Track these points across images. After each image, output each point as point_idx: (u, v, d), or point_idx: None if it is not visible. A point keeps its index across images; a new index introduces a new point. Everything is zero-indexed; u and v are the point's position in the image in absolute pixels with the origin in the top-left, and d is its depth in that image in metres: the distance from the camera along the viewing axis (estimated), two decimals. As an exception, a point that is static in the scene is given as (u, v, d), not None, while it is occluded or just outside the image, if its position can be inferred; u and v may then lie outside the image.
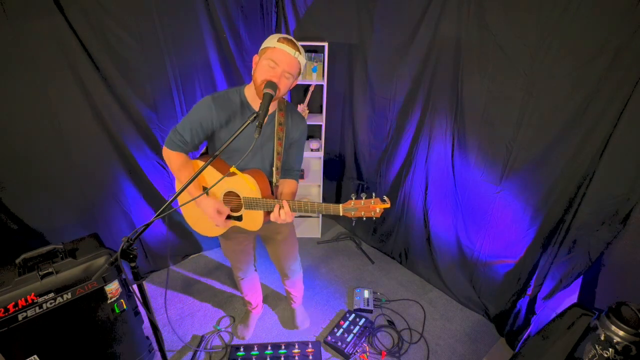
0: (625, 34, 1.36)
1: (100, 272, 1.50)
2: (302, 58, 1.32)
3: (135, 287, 1.28)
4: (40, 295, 1.42)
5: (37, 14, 1.66)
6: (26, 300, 1.39)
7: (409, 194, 2.50)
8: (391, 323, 2.22)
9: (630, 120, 1.39)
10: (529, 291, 1.92)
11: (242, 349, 1.97)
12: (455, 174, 2.16)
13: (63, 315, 1.49)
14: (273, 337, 2.13)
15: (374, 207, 1.30)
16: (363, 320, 2.19)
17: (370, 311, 2.28)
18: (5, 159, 1.78)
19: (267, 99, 1.23)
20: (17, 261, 1.47)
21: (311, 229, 3.09)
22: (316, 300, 2.40)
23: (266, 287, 2.48)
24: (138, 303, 1.58)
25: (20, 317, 1.38)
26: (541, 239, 1.85)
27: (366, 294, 2.37)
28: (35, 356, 1.47)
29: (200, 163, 1.34)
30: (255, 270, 2.03)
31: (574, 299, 1.74)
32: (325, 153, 2.96)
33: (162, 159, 2.32)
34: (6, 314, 1.35)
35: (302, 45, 1.37)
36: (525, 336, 1.96)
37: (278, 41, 1.28)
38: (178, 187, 1.47)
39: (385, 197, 1.31)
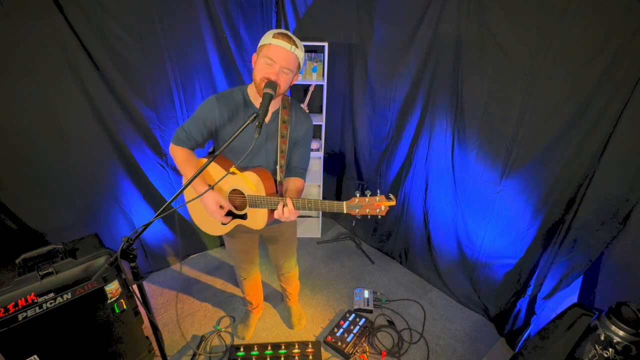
0: (625, 34, 1.36)
1: (100, 272, 1.50)
2: (299, 52, 1.30)
3: (135, 287, 1.28)
4: (40, 295, 1.41)
5: (37, 14, 1.66)
6: (26, 300, 1.38)
7: (409, 194, 2.50)
8: (391, 323, 2.22)
9: (630, 120, 1.39)
10: (529, 291, 1.92)
11: (242, 349, 1.97)
12: (455, 174, 2.16)
13: (63, 315, 1.49)
14: (273, 337, 2.13)
15: (379, 204, 1.24)
16: (363, 320, 2.19)
17: (370, 311, 2.28)
18: (5, 159, 1.78)
19: (266, 99, 1.23)
20: (17, 261, 1.46)
21: (311, 229, 3.09)
22: (316, 300, 2.40)
23: (267, 286, 2.48)
24: (138, 303, 1.58)
25: (20, 317, 1.38)
26: (541, 239, 1.85)
27: (366, 294, 2.37)
28: (35, 356, 1.47)
29: (205, 161, 1.36)
30: (258, 271, 2.04)
31: (574, 299, 1.74)
32: (325, 153, 2.96)
33: (162, 159, 2.33)
34: (6, 314, 1.35)
35: (302, 45, 1.35)
36: (525, 336, 1.96)
37: (273, 37, 1.27)
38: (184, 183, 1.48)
39: (390, 195, 1.26)
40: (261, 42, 1.31)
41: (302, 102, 2.68)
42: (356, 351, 2.01)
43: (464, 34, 1.86)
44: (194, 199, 1.33)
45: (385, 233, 2.81)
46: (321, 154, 2.78)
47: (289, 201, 1.30)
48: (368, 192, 1.25)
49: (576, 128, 1.58)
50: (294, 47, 1.27)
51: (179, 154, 1.47)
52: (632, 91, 1.37)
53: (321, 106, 2.63)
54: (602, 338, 1.23)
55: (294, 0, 2.52)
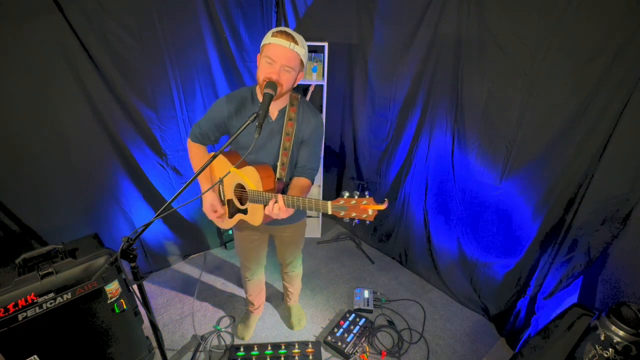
0: (625, 34, 1.36)
1: (100, 272, 1.50)
2: (299, 48, 1.28)
3: (135, 287, 1.28)
4: (40, 295, 1.42)
5: (37, 13, 1.66)
6: (26, 301, 1.38)
7: (409, 194, 2.50)
8: (391, 323, 2.22)
9: (630, 120, 1.39)
10: (529, 291, 1.92)
11: (242, 349, 1.97)
12: (455, 174, 2.16)
13: (63, 315, 1.49)
14: (273, 337, 2.13)
15: (366, 207, 1.11)
16: (363, 320, 2.19)
17: (370, 311, 2.28)
18: (5, 158, 1.78)
19: (266, 99, 1.23)
20: (17, 261, 1.46)
21: (311, 229, 3.09)
22: (316, 300, 2.40)
23: (268, 287, 2.48)
24: (138, 303, 1.58)
25: (20, 317, 1.38)
26: (541, 239, 1.85)
27: (366, 294, 2.37)
28: (35, 356, 1.47)
29: (221, 155, 1.49)
30: (263, 273, 2.04)
31: (574, 299, 1.74)
32: (325, 153, 2.96)
33: (162, 159, 2.33)
34: (6, 314, 1.35)
35: (304, 41, 1.33)
36: (525, 336, 1.96)
37: (272, 36, 1.27)
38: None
39: (385, 199, 1.15)
40: (262, 42, 1.31)
41: (302, 102, 2.68)
42: (356, 351, 2.01)
43: (464, 34, 1.86)
44: (193, 200, 1.32)
45: (385, 233, 2.81)
46: (321, 153, 2.78)
47: (279, 198, 1.27)
48: (356, 193, 1.12)
49: (576, 128, 1.58)
50: (293, 44, 1.26)
51: (192, 149, 1.58)
52: (632, 91, 1.37)
53: (321, 106, 2.63)
54: (602, 338, 1.24)
55: (294, 0, 2.52)
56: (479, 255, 2.17)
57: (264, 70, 1.28)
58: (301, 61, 1.32)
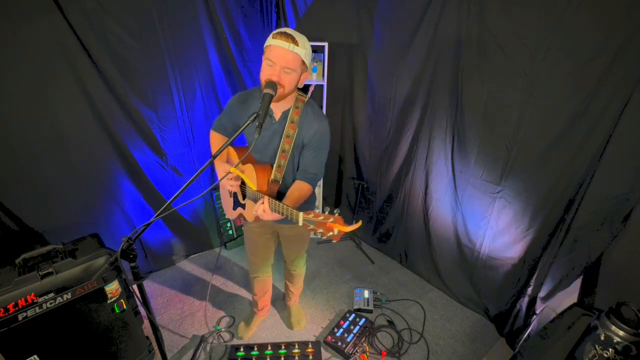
0: (625, 34, 1.36)
1: (100, 272, 1.50)
2: (299, 49, 1.26)
3: (135, 287, 1.28)
4: (40, 295, 1.42)
5: (37, 14, 1.66)
6: (26, 301, 1.38)
7: (409, 194, 2.50)
8: (391, 323, 2.22)
9: (630, 120, 1.40)
10: (529, 291, 1.92)
11: (242, 349, 1.97)
12: (455, 174, 2.16)
13: (63, 315, 1.49)
14: (273, 337, 2.13)
15: (332, 226, 1.06)
16: (363, 320, 2.19)
17: (370, 311, 2.28)
18: (5, 158, 1.78)
19: (266, 99, 1.24)
20: (17, 261, 1.46)
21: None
22: (316, 300, 2.40)
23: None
24: (138, 303, 1.58)
25: (20, 317, 1.38)
26: (541, 239, 1.85)
27: (366, 294, 2.37)
28: (35, 356, 1.47)
29: (231, 150, 1.63)
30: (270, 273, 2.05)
31: (574, 299, 1.74)
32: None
33: (162, 159, 2.33)
34: (6, 314, 1.35)
35: (306, 41, 1.32)
36: (525, 336, 1.96)
37: (273, 37, 1.27)
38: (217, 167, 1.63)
39: (360, 220, 1.13)
40: (265, 43, 1.31)
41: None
42: (356, 351, 2.01)
43: (464, 34, 1.86)
44: (193, 200, 1.35)
45: (385, 233, 2.81)
46: (324, 159, 2.77)
47: (266, 200, 1.29)
48: (327, 209, 1.10)
49: (576, 128, 1.58)
50: (292, 45, 1.25)
51: (213, 138, 1.66)
52: (632, 91, 1.37)
53: (321, 106, 2.63)
54: (602, 338, 1.24)
55: (294, 0, 2.52)
56: (478, 254, 2.17)
57: (265, 71, 1.29)
58: (302, 62, 1.31)
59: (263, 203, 1.29)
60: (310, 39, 1.34)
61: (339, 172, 3.10)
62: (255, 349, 1.97)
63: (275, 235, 1.83)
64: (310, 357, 1.95)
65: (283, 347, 1.99)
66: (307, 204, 1.63)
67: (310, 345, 2.01)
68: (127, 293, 1.68)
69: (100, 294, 1.57)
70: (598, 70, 1.45)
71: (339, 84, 2.71)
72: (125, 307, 1.66)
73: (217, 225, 2.80)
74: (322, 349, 2.02)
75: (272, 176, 1.48)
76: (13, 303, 1.36)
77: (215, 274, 2.60)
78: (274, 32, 1.28)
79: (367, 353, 2.01)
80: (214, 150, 1.65)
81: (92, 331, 1.61)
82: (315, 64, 2.52)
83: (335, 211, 1.11)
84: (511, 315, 2.05)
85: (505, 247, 2.03)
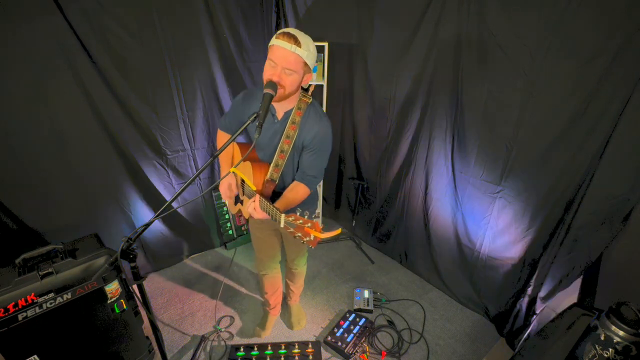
0: (625, 34, 1.36)
1: (100, 272, 1.50)
2: (302, 50, 1.26)
3: (135, 287, 1.28)
4: (40, 295, 1.42)
5: (37, 13, 1.66)
6: (26, 300, 1.38)
7: (409, 194, 2.50)
8: (391, 323, 2.22)
9: (630, 120, 1.40)
10: (529, 291, 1.92)
11: (242, 349, 1.97)
12: (455, 174, 2.16)
13: (63, 315, 1.49)
14: (273, 337, 2.13)
15: (309, 231, 1.07)
16: (363, 320, 2.19)
17: (370, 311, 2.28)
18: (5, 158, 1.78)
19: (266, 99, 1.24)
20: (17, 261, 1.46)
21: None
22: (316, 300, 2.40)
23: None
24: (138, 303, 1.58)
25: (20, 317, 1.38)
26: (541, 239, 1.85)
27: (366, 294, 2.37)
28: (35, 356, 1.47)
29: (236, 147, 1.65)
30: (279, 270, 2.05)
31: (574, 299, 1.74)
32: (325, 153, 2.96)
33: (162, 159, 2.33)
34: (6, 314, 1.35)
35: (310, 42, 1.32)
36: (525, 336, 1.96)
37: (275, 37, 1.26)
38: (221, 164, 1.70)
39: (339, 228, 1.15)
40: (269, 42, 1.31)
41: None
42: (356, 351, 2.01)
43: (464, 33, 1.86)
44: (193, 200, 1.35)
45: (385, 233, 2.81)
46: (324, 162, 2.77)
47: (257, 199, 1.30)
48: (306, 214, 1.09)
49: (576, 128, 1.58)
50: (294, 46, 1.24)
51: (220, 137, 1.69)
52: (632, 91, 1.37)
53: (321, 106, 2.62)
54: (602, 338, 1.23)
55: (294, 0, 2.52)
56: (479, 254, 2.17)
57: (267, 72, 1.29)
58: (305, 63, 1.30)
59: (254, 201, 1.30)
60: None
61: (339, 172, 3.10)
62: (255, 349, 1.97)
63: (279, 232, 1.83)
64: (310, 357, 1.95)
65: (283, 347, 1.99)
66: (308, 204, 1.63)
67: (310, 345, 2.01)
68: (127, 293, 1.68)
69: (100, 294, 1.57)
70: (598, 70, 1.45)
71: (339, 84, 2.71)
72: (125, 307, 1.66)
73: (217, 225, 2.80)
74: (322, 349, 2.02)
75: (268, 175, 1.48)
76: (13, 303, 1.36)
77: (215, 274, 2.61)
78: (279, 31, 1.28)
79: (367, 353, 2.01)
80: (219, 148, 1.67)
81: (92, 331, 1.61)
82: (315, 64, 2.52)
83: (313, 217, 1.09)
84: (511, 315, 2.05)
85: (505, 247, 2.03)
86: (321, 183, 2.87)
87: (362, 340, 2.07)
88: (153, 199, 2.37)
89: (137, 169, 2.24)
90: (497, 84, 1.80)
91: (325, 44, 2.42)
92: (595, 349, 1.25)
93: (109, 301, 1.60)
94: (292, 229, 1.11)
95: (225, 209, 2.74)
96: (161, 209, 1.13)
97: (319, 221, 1.10)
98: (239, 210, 1.70)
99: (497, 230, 2.03)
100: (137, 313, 1.76)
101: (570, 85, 1.55)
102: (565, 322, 1.51)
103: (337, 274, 2.65)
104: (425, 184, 2.37)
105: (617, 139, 1.44)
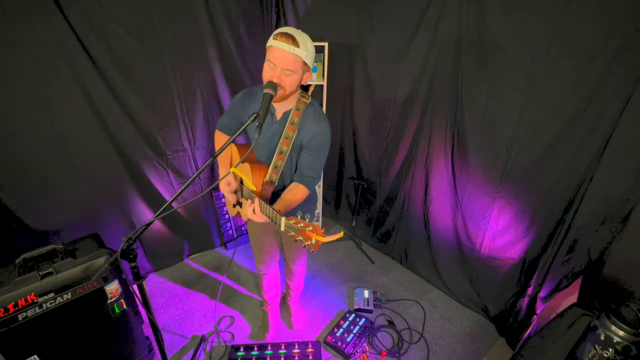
0: (625, 34, 1.36)
1: (100, 272, 1.50)
2: (300, 51, 1.24)
3: (135, 287, 1.28)
4: (40, 295, 1.41)
5: (37, 14, 1.66)
6: (26, 300, 1.38)
7: (409, 194, 2.50)
8: (391, 323, 2.22)
9: (630, 120, 1.40)
10: (529, 291, 1.92)
11: (242, 349, 1.97)
12: (455, 174, 2.16)
13: (63, 315, 1.49)
14: (273, 337, 2.13)
15: (310, 234, 1.05)
16: (363, 320, 2.19)
17: (370, 311, 2.28)
18: (5, 159, 1.78)
19: (266, 99, 1.23)
20: (17, 261, 1.46)
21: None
22: (316, 300, 2.40)
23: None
24: (138, 303, 1.58)
25: (20, 317, 1.38)
26: (541, 239, 1.85)
27: (366, 294, 2.37)
28: (35, 356, 1.47)
29: (234, 148, 1.64)
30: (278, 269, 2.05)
31: (574, 299, 1.74)
32: (325, 153, 2.96)
33: (162, 159, 2.33)
34: (6, 314, 1.35)
35: (308, 41, 1.30)
36: (525, 336, 1.96)
37: (273, 38, 1.26)
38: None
39: (341, 231, 1.13)
40: (267, 43, 1.30)
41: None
42: (356, 351, 2.01)
43: (464, 34, 1.86)
44: (193, 200, 1.35)
45: (385, 233, 2.81)
46: (323, 163, 2.77)
47: (256, 201, 1.27)
48: (307, 217, 1.07)
49: (576, 128, 1.58)
50: (293, 46, 1.23)
51: (218, 138, 1.67)
52: (632, 91, 1.37)
53: (321, 106, 2.62)
54: (602, 338, 1.24)
55: (294, 0, 2.52)
56: (479, 254, 2.17)
57: (267, 73, 1.29)
58: (304, 63, 1.29)
59: (254, 204, 1.29)
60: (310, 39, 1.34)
61: (339, 173, 3.10)
62: (255, 349, 1.97)
63: (278, 233, 1.83)
64: (310, 357, 1.95)
65: (283, 347, 1.99)
66: (308, 205, 1.63)
67: (310, 345, 2.01)
68: (127, 293, 1.68)
69: (100, 294, 1.57)
70: (598, 70, 1.45)
71: (339, 84, 2.71)
72: (125, 307, 1.66)
73: (217, 225, 2.80)
74: (322, 349, 2.02)
75: (267, 177, 1.47)
76: (13, 303, 1.36)
77: (215, 274, 2.61)
78: (276, 32, 1.27)
79: (367, 353, 2.01)
80: (216, 148, 1.66)
81: (92, 331, 1.61)
82: (315, 64, 2.52)
83: (314, 220, 1.07)
84: (511, 315, 2.05)
85: (505, 247, 2.03)
86: (321, 183, 2.88)
87: (362, 340, 2.07)
88: (153, 199, 2.37)
89: (137, 169, 2.24)
90: (497, 84, 1.80)
91: (325, 44, 2.42)
92: (595, 349, 1.25)
93: (109, 301, 1.60)
94: (292, 233, 1.09)
95: (225, 208, 2.74)
96: (161, 209, 1.13)
97: (319, 224, 1.06)
98: (238, 213, 1.69)
99: (497, 230, 2.03)
100: (137, 313, 1.76)
101: (570, 85, 1.55)
102: (565, 322, 1.51)
103: (337, 274, 2.65)
104: (425, 184, 2.37)
105: (617, 139, 1.44)
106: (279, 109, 1.43)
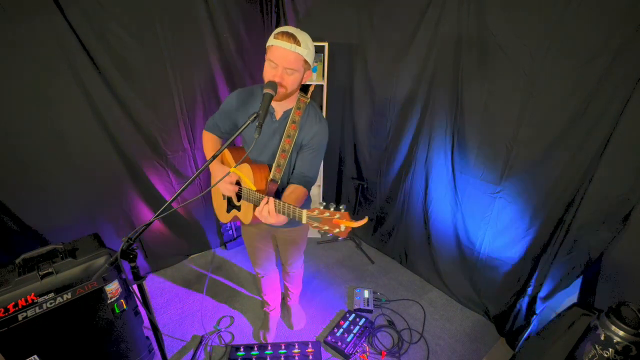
0: (625, 34, 1.36)
1: (100, 272, 1.49)
2: (302, 49, 1.25)
3: (135, 287, 1.28)
4: (40, 295, 1.42)
5: (37, 14, 1.66)
6: (26, 300, 1.39)
7: (409, 194, 2.50)
8: (391, 323, 2.22)
9: (630, 120, 1.40)
10: (529, 291, 1.92)
11: (242, 349, 1.97)
12: (455, 174, 2.16)
13: (63, 315, 1.49)
14: (273, 337, 2.13)
15: (338, 222, 1.03)
16: (363, 320, 2.19)
17: (370, 311, 2.28)
18: (5, 159, 1.78)
19: (266, 99, 1.23)
20: (17, 261, 1.46)
21: (311, 228, 3.09)
22: (316, 300, 2.40)
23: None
24: (138, 303, 1.58)
25: (20, 317, 1.38)
26: (541, 239, 1.85)
27: (366, 294, 2.37)
28: (35, 356, 1.47)
29: (226, 150, 1.59)
30: (276, 270, 2.04)
31: (574, 299, 1.74)
32: (325, 153, 2.95)
33: (162, 159, 2.33)
34: (6, 314, 1.35)
35: (309, 40, 1.31)
36: (525, 336, 1.96)
37: (274, 37, 1.26)
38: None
39: (365, 217, 1.08)
40: (267, 43, 1.30)
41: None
42: (356, 351, 2.01)
43: (464, 34, 1.86)
44: (193, 200, 1.33)
45: (386, 233, 2.81)
46: (321, 163, 2.77)
47: (271, 201, 1.21)
48: (332, 205, 1.04)
49: (576, 128, 1.58)
50: (295, 45, 1.24)
51: (206, 139, 1.61)
52: (632, 91, 1.37)
53: (321, 106, 2.62)
54: (602, 338, 1.24)
55: (294, 0, 2.52)
56: (479, 254, 2.17)
57: (268, 73, 1.29)
58: (305, 61, 1.30)
59: (267, 203, 1.21)
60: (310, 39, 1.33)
61: (339, 172, 3.10)
62: (255, 349, 1.97)
63: (273, 236, 1.82)
64: (310, 357, 1.95)
65: (283, 347, 1.99)
66: (305, 207, 1.62)
67: (310, 345, 2.01)
68: (127, 293, 1.68)
69: (100, 294, 1.57)
70: (598, 70, 1.45)
71: (339, 84, 2.70)
72: (125, 307, 1.66)
73: (217, 225, 2.80)
74: (322, 349, 2.02)
75: (272, 176, 1.46)
76: (13, 303, 1.36)
77: (215, 274, 2.61)
78: (276, 31, 1.27)
79: (367, 353, 2.01)
80: (206, 150, 1.60)
81: (92, 331, 1.61)
82: (315, 64, 2.52)
83: (340, 207, 1.06)
84: (511, 315, 2.04)
85: (505, 247, 2.03)
86: (321, 183, 2.87)
87: (362, 340, 2.07)
88: (153, 199, 2.37)
89: (137, 169, 2.24)
90: (497, 84, 1.80)
91: (325, 44, 2.42)
92: (595, 349, 1.25)
93: (109, 301, 1.60)
94: (317, 224, 1.06)
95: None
96: (161, 209, 1.13)
97: (346, 211, 1.04)
98: (235, 217, 1.60)
99: (497, 230, 2.03)
100: (137, 313, 1.76)
101: (570, 85, 1.55)
102: (565, 322, 1.51)
103: (337, 274, 2.65)
104: (425, 184, 2.37)
105: (617, 139, 1.44)
106: (279, 108, 1.43)
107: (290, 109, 1.43)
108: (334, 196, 3.21)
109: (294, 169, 1.50)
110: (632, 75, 1.36)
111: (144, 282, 1.26)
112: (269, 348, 1.98)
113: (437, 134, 2.18)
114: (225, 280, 2.55)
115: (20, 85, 1.72)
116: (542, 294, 1.86)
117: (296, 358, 1.94)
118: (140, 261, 2.48)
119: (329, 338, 2.06)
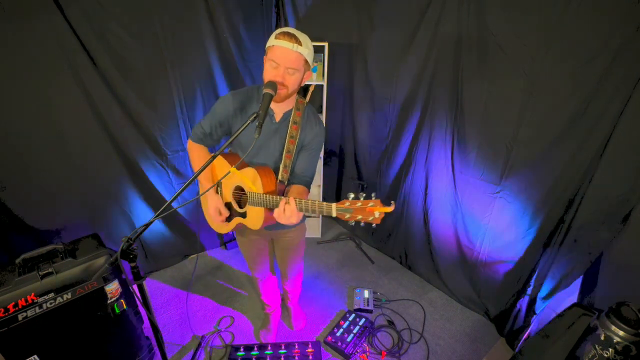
0: (625, 34, 1.36)
1: (100, 272, 1.50)
2: (303, 49, 1.26)
3: (135, 287, 1.28)
4: (40, 295, 1.42)
5: (37, 14, 1.66)
6: (26, 300, 1.39)
7: (409, 194, 2.50)
8: (391, 323, 2.22)
9: (630, 120, 1.39)
10: (529, 291, 1.92)
11: (242, 349, 1.97)
12: (455, 174, 2.16)
13: (63, 315, 1.49)
14: (274, 337, 2.13)
15: (372, 209, 1.07)
16: (363, 320, 2.19)
17: (370, 311, 2.28)
18: (6, 158, 1.78)
19: (266, 99, 1.23)
20: (17, 261, 1.46)
21: (311, 229, 3.09)
22: (316, 300, 2.40)
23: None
24: (138, 303, 1.58)
25: (20, 317, 1.38)
26: (541, 239, 1.85)
27: (366, 294, 2.37)
28: (35, 356, 1.47)
29: (219, 157, 1.45)
30: (273, 274, 2.03)
31: (574, 299, 1.74)
32: (325, 153, 2.96)
33: (162, 159, 2.33)
34: (6, 314, 1.35)
35: (309, 40, 1.31)
36: (525, 336, 1.96)
37: (275, 37, 1.26)
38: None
39: (392, 201, 1.10)
40: (267, 43, 1.30)
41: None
42: (356, 351, 2.01)
43: (464, 34, 1.86)
44: (193, 200, 1.30)
45: (385, 233, 2.81)
46: (321, 154, 2.78)
47: (292, 200, 1.19)
48: (362, 195, 1.07)
49: (576, 128, 1.58)
50: (296, 45, 1.24)
51: (193, 150, 1.53)
52: (632, 91, 1.37)
53: (321, 106, 2.62)
54: (602, 338, 1.23)
55: (294, 0, 2.52)
56: (478, 254, 2.17)
57: (269, 73, 1.29)
58: (306, 61, 1.30)
59: (288, 203, 1.18)
60: (310, 39, 1.34)
61: (339, 172, 3.10)
62: (255, 349, 1.97)
63: (271, 240, 1.81)
64: (310, 357, 1.95)
65: (283, 347, 1.99)
66: None
67: (310, 345, 2.01)
68: (127, 293, 1.68)
69: (100, 294, 1.57)
70: (598, 70, 1.45)
71: (339, 84, 2.71)
72: (125, 307, 1.66)
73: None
74: (322, 349, 2.02)
75: (280, 177, 1.44)
76: (13, 303, 1.36)
77: (216, 274, 2.61)
78: (276, 32, 1.27)
79: (367, 353, 2.01)
80: (194, 162, 1.52)
81: (92, 331, 1.61)
82: (315, 64, 2.52)
83: (372, 195, 1.09)
84: (511, 315, 2.04)
85: (505, 247, 2.03)
86: (321, 183, 2.87)
87: (362, 340, 2.07)
88: (153, 199, 2.37)
89: (137, 169, 2.24)
90: (497, 84, 1.80)
91: (325, 44, 2.42)
92: (595, 349, 1.25)
93: (109, 301, 1.60)
94: (348, 215, 1.09)
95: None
96: (161, 209, 1.13)
97: (378, 198, 1.08)
98: (239, 224, 1.52)
99: (497, 230, 2.03)
100: (137, 313, 1.76)
101: (570, 85, 1.55)
102: (565, 322, 1.51)
103: (337, 274, 2.65)
104: (425, 184, 2.37)
105: (617, 139, 1.44)
106: (278, 110, 1.42)
107: (290, 110, 1.43)
108: (334, 196, 3.21)
109: (292, 169, 1.49)
110: (632, 75, 1.36)
111: (144, 282, 1.26)
112: (269, 348, 1.98)
113: (437, 134, 2.18)
114: (225, 280, 2.55)
115: (20, 85, 1.72)
116: (542, 294, 1.86)
117: (296, 358, 1.94)
118: (140, 261, 2.48)
119: (329, 338, 2.06)
